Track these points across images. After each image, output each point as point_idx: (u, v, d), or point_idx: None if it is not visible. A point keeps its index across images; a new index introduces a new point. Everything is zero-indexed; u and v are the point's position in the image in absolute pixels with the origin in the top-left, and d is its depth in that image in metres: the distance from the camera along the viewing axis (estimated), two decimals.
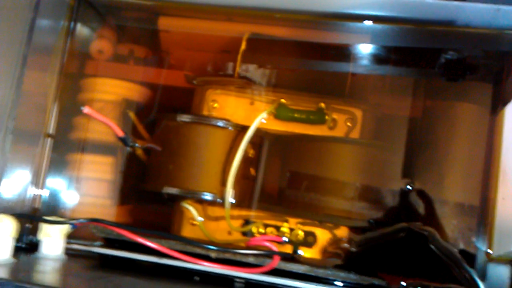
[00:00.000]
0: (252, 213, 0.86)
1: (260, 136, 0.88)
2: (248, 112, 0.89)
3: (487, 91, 0.85)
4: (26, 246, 0.82)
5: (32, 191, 0.84)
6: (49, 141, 0.87)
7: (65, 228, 0.78)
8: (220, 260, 0.74)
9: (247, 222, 0.86)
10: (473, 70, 0.86)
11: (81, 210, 0.89)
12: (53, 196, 0.87)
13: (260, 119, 0.86)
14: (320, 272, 0.74)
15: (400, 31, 0.84)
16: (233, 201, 0.84)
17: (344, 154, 0.86)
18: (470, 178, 0.83)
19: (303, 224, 0.85)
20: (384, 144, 0.87)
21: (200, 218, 0.86)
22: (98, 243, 0.81)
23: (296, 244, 0.83)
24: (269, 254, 0.74)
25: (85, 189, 0.90)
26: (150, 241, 0.74)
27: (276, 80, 0.91)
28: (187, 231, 0.87)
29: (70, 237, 0.80)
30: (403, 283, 0.73)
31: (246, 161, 0.87)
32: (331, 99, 0.88)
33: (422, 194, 0.83)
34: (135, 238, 0.74)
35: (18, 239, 0.78)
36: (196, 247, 0.74)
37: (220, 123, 0.86)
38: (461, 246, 0.80)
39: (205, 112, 0.89)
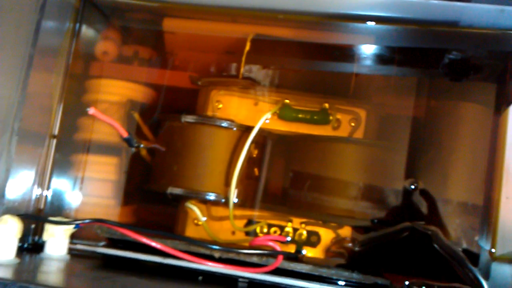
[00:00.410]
0: (255, 213, 0.86)
1: (264, 136, 0.88)
2: (252, 112, 0.89)
3: (491, 91, 0.85)
4: (31, 247, 0.82)
5: (37, 192, 0.84)
6: (54, 141, 0.87)
7: (69, 229, 0.78)
8: (223, 260, 0.74)
9: (250, 222, 0.86)
10: (476, 70, 0.86)
11: (85, 210, 0.89)
12: (58, 196, 0.88)
13: (264, 119, 0.86)
14: (324, 272, 0.73)
15: (404, 32, 0.84)
16: (236, 200, 0.85)
17: (347, 154, 0.86)
18: (473, 177, 0.83)
19: (306, 224, 0.85)
20: (388, 144, 0.87)
21: (204, 218, 0.86)
22: (102, 243, 0.81)
23: (299, 243, 0.83)
24: (273, 253, 0.74)
25: (90, 189, 0.90)
26: (154, 241, 0.74)
27: (279, 80, 0.91)
28: (191, 231, 0.87)
29: (74, 237, 0.80)
30: (407, 282, 0.73)
31: (250, 161, 0.87)
32: (335, 99, 0.88)
33: (425, 193, 0.83)
34: (139, 238, 0.74)
35: (23, 240, 0.79)
36: (200, 247, 0.74)
37: (224, 124, 0.86)
38: (465, 245, 0.80)
39: (210, 113, 0.89)
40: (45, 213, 0.85)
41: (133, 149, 0.89)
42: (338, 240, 0.84)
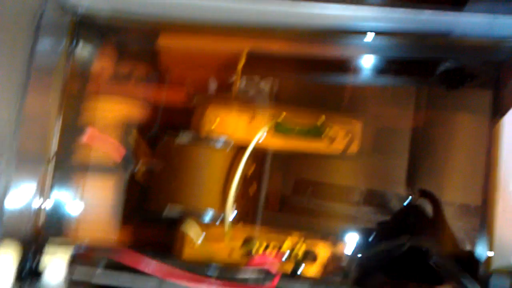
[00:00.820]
0: (253, 231, 0.87)
1: (261, 151, 0.88)
2: (248, 128, 0.89)
3: (486, 99, 0.84)
4: (29, 272, 0.82)
5: (35, 212, 0.85)
6: (52, 161, 0.87)
7: (69, 252, 0.79)
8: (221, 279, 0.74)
9: (247, 240, 0.86)
10: (471, 78, 0.86)
11: (84, 228, 0.90)
12: (57, 216, 0.88)
13: (260, 136, 0.86)
14: None
15: (397, 43, 0.84)
16: (231, 219, 0.85)
17: (342, 168, 0.86)
18: (470, 188, 0.83)
19: (304, 240, 0.85)
20: (382, 157, 0.87)
21: (201, 239, 0.86)
22: (101, 265, 0.81)
23: (297, 261, 0.83)
24: (268, 276, 0.74)
25: (88, 208, 0.90)
26: (151, 267, 0.74)
27: (275, 95, 0.91)
28: (188, 251, 0.87)
29: (73, 260, 0.81)
30: None
31: (247, 177, 0.87)
32: (331, 112, 0.88)
33: (421, 207, 0.83)
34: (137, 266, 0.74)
35: (21, 264, 0.79)
36: (194, 272, 0.74)
37: (218, 144, 0.86)
38: (462, 257, 0.80)
39: (206, 129, 0.90)
40: (44, 234, 0.85)
41: (131, 168, 0.90)
42: (336, 257, 0.84)
